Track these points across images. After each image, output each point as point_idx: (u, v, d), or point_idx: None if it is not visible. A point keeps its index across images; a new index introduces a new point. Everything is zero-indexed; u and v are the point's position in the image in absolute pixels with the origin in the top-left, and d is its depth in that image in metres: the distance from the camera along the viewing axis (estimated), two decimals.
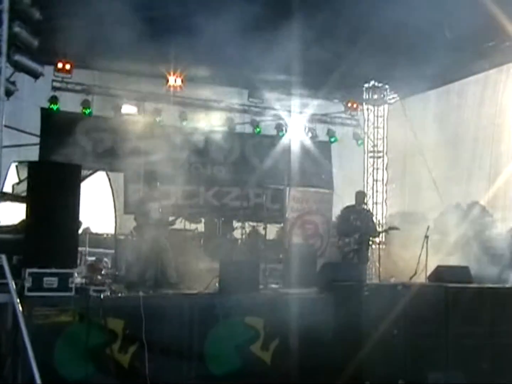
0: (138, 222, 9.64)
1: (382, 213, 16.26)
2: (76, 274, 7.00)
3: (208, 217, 13.38)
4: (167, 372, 6.83)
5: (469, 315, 7.21)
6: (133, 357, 6.72)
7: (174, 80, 13.72)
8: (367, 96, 16.31)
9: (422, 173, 14.77)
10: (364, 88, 16.13)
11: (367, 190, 16.02)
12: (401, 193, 15.96)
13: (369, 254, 12.00)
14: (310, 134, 15.31)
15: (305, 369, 7.33)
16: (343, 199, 14.33)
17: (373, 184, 16.43)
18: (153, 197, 9.96)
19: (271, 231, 14.16)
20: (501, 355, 7.19)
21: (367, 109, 16.60)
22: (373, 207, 15.91)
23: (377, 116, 16.59)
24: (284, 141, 15.11)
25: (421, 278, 9.15)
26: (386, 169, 16.49)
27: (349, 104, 15.66)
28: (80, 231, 9.34)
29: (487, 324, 7.28)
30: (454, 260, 10.18)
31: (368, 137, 16.52)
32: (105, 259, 13.74)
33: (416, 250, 10.79)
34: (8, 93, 7.41)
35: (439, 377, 6.75)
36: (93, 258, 12.58)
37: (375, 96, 16.31)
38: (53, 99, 12.83)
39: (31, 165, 7.92)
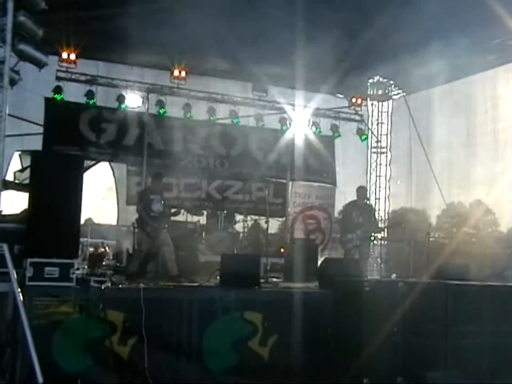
0: (140, 213, 9.63)
1: (385, 209, 16.26)
2: (77, 265, 6.99)
3: (210, 210, 13.38)
4: (166, 366, 6.83)
5: (470, 313, 7.19)
6: (132, 350, 6.72)
7: (179, 72, 13.71)
8: (371, 92, 16.27)
9: (427, 170, 14.75)
10: (368, 84, 16.09)
11: (370, 186, 16.03)
12: (406, 190, 15.94)
13: (371, 250, 11.99)
14: (313, 129, 15.27)
15: (303, 365, 7.33)
16: (345, 194, 14.33)
17: (376, 180, 16.42)
18: (155, 189, 9.94)
19: (273, 225, 14.18)
20: (501, 355, 7.17)
21: (371, 105, 16.57)
22: (375, 203, 15.91)
23: (381, 112, 16.57)
24: (287, 135, 15.08)
25: (423, 275, 9.14)
26: (389, 165, 16.47)
27: (353, 99, 15.61)
28: (82, 221, 9.34)
29: (487, 323, 7.26)
30: (455, 258, 10.17)
31: (372, 133, 16.48)
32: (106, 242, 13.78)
33: (418, 247, 10.80)
34: (13, 83, 7.39)
35: (438, 376, 6.73)
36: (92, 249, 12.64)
37: (380, 92, 16.28)
38: (57, 89, 12.82)
39: (34, 155, 7.90)
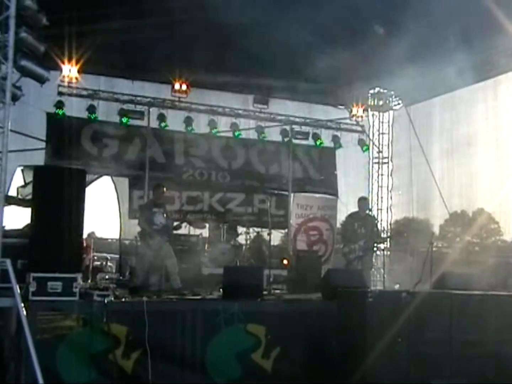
0: (143, 227, 9.64)
1: (387, 220, 16.25)
2: (80, 279, 6.99)
3: (212, 222, 13.39)
4: (170, 378, 6.82)
5: (474, 322, 7.15)
6: (136, 363, 6.71)
7: (180, 86, 13.77)
8: (372, 102, 16.31)
9: (430, 180, 14.75)
10: (369, 94, 16.14)
11: (371, 197, 16.02)
12: (407, 200, 15.94)
13: (374, 260, 11.96)
14: (315, 140, 15.29)
15: (307, 378, 7.30)
16: (347, 205, 14.34)
17: (378, 190, 16.42)
18: (157, 202, 9.96)
19: (276, 237, 14.17)
20: (506, 365, 7.13)
21: (372, 115, 16.61)
22: (377, 213, 15.91)
23: (382, 122, 16.61)
24: (289, 147, 15.11)
25: (426, 285, 9.13)
26: (391, 175, 16.48)
27: (354, 110, 15.64)
28: (84, 235, 9.35)
29: (492, 332, 7.22)
30: (459, 267, 10.13)
31: (373, 143, 16.51)
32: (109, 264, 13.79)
33: (421, 256, 10.74)
34: (14, 98, 7.42)
35: None
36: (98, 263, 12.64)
37: (380, 102, 16.32)
38: (59, 104, 12.87)
39: (36, 170, 7.93)
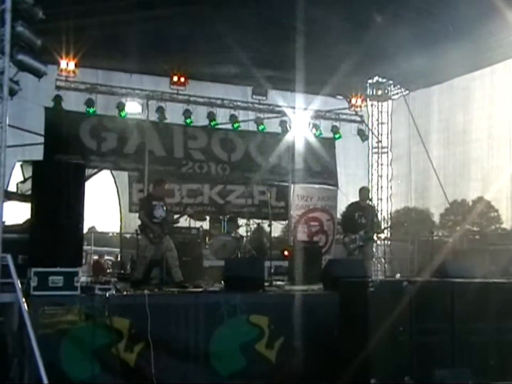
0: (143, 220, 9.63)
1: (387, 209, 16.24)
2: (81, 273, 6.99)
3: (212, 215, 13.38)
4: (173, 371, 6.83)
5: (475, 310, 7.17)
6: (139, 356, 6.72)
7: (178, 78, 13.73)
8: (371, 92, 16.27)
9: (428, 169, 14.76)
10: (368, 84, 16.10)
11: (371, 186, 16.01)
12: (406, 189, 15.96)
13: (375, 250, 11.98)
14: (314, 131, 15.27)
15: (310, 367, 7.32)
16: (347, 195, 14.35)
17: (377, 180, 16.41)
18: (157, 195, 9.95)
19: (276, 228, 14.18)
20: (508, 352, 7.15)
21: (371, 105, 16.57)
22: (377, 203, 15.90)
23: (381, 112, 16.57)
24: (288, 138, 15.08)
25: (427, 274, 9.14)
26: (390, 165, 16.47)
27: (353, 100, 15.61)
28: (85, 230, 9.34)
29: (493, 319, 7.24)
30: (459, 256, 10.16)
31: (372, 133, 16.48)
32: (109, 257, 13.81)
33: (421, 246, 10.78)
34: (12, 93, 7.37)
35: (445, 374, 6.71)
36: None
37: (379, 92, 16.28)
38: (57, 98, 12.83)
39: (35, 165, 7.89)
